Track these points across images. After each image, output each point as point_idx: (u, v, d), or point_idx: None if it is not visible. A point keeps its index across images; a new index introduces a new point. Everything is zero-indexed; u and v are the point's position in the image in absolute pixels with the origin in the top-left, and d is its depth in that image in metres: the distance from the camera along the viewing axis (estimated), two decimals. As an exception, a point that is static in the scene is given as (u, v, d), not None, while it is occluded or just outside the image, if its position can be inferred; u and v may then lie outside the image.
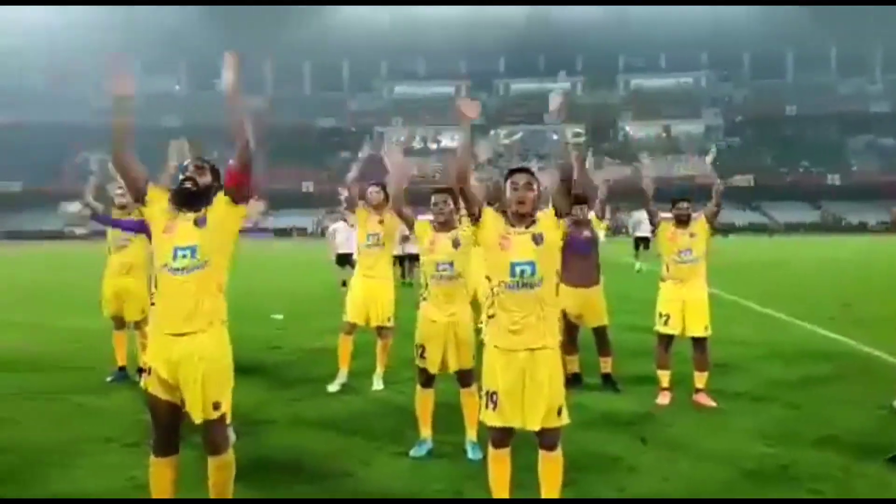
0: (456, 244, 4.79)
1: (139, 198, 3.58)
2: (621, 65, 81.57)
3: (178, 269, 3.43)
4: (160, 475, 3.50)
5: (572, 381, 6.73)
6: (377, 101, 78.80)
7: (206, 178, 3.60)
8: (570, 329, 6.78)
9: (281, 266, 24.07)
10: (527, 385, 3.56)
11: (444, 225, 4.86)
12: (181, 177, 3.59)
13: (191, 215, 3.52)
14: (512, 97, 78.62)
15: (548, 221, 3.69)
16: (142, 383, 3.54)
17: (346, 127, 73.57)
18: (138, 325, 6.98)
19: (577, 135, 4.94)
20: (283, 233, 56.83)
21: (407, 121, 74.67)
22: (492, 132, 74.56)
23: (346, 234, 12.98)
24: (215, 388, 3.44)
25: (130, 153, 3.58)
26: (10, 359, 8.21)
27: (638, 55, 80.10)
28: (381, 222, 6.50)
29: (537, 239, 3.63)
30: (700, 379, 6.25)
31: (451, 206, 4.88)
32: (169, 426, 3.48)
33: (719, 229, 8.47)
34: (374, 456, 4.88)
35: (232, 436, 4.89)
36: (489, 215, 3.77)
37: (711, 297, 6.37)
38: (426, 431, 4.98)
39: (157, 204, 3.56)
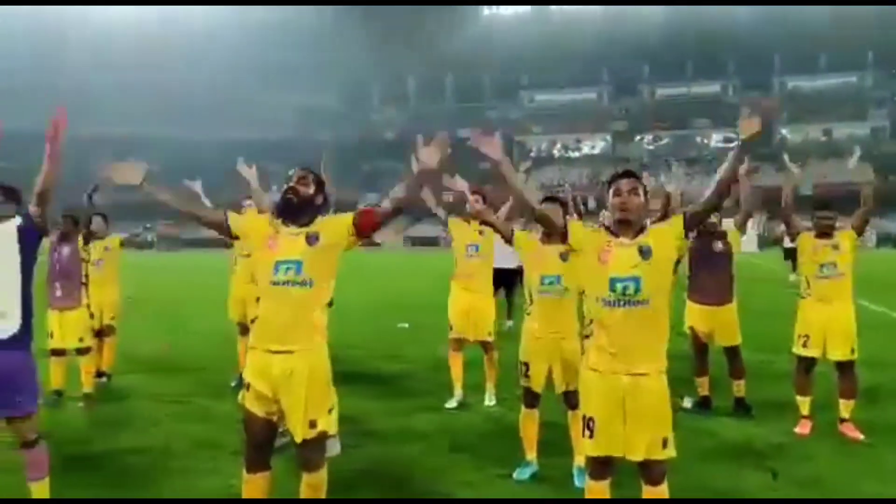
0: (564, 257, 4.49)
1: (231, 235, 3.60)
2: (777, 65, 76.98)
3: (279, 283, 3.37)
4: (253, 491, 3.47)
5: (702, 404, 6.28)
6: (517, 111, 78.88)
7: (308, 189, 3.54)
8: (700, 349, 6.32)
9: (416, 275, 24.41)
10: (628, 413, 3.21)
11: (551, 237, 4.59)
12: (285, 186, 3.55)
13: (297, 230, 3.45)
14: (658, 102, 76.25)
15: (663, 233, 3.32)
16: (239, 399, 3.54)
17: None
18: None
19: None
20: (421, 242, 57.88)
21: (546, 129, 74.20)
22: (636, 138, 72.71)
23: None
24: (314, 406, 3.36)
25: (197, 207, 3.72)
26: (153, 361, 8.72)
27: (795, 55, 75.29)
28: (480, 233, 6.32)
29: (644, 251, 3.26)
30: (846, 408, 5.60)
31: (561, 216, 4.61)
32: (262, 443, 3.43)
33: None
34: (477, 477, 4.69)
35: (336, 447, 4.91)
36: (577, 228, 3.47)
37: (861, 315, 5.71)
38: (531, 454, 4.75)
39: (252, 228, 3.55)
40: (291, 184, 3.52)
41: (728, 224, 6.34)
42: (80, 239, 6.80)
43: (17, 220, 3.84)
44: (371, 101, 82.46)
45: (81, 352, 6.73)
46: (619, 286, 3.24)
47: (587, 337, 3.49)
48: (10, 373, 3.70)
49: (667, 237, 3.30)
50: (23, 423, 3.80)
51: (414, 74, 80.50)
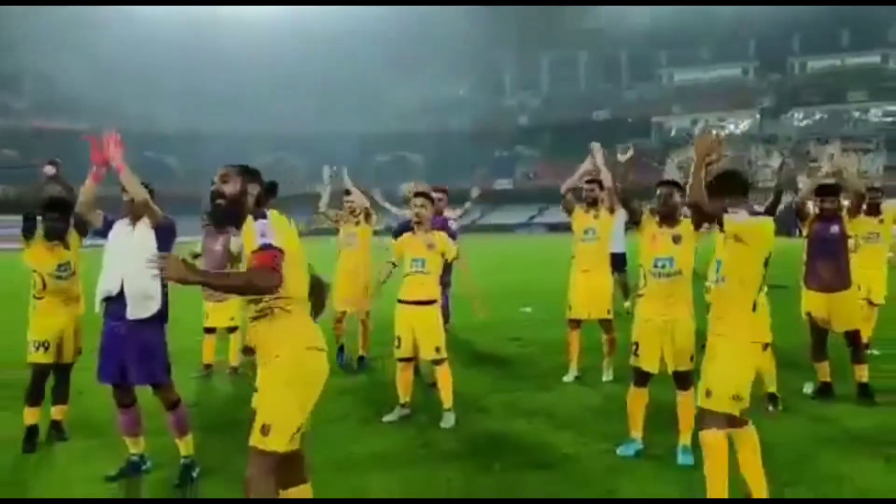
0: (677, 240, 4.66)
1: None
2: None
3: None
4: None
5: (823, 391, 6.14)
6: (656, 90, 76.35)
7: (233, 188, 3.24)
8: (818, 335, 6.16)
9: (546, 260, 24.45)
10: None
11: (668, 218, 4.76)
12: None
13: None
14: (809, 76, 71.54)
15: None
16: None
17: (621, 118, 72.33)
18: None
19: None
20: (555, 228, 57.57)
21: (687, 108, 71.37)
22: (783, 115, 68.63)
23: None
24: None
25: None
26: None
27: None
28: (595, 217, 6.62)
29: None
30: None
31: (677, 199, 4.75)
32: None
33: None
34: (579, 451, 4.89)
35: (451, 419, 5.32)
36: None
37: None
38: (636, 431, 4.89)
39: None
40: (212, 186, 3.26)
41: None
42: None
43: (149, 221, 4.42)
44: (503, 88, 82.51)
45: (231, 329, 7.48)
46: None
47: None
48: (152, 346, 4.36)
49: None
50: (163, 390, 4.45)
51: (547, 58, 79.74)
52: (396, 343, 5.65)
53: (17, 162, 65.54)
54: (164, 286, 4.34)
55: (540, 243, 35.83)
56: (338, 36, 75.10)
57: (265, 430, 3.03)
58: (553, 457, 4.79)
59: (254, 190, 3.24)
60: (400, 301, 5.65)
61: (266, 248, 3.00)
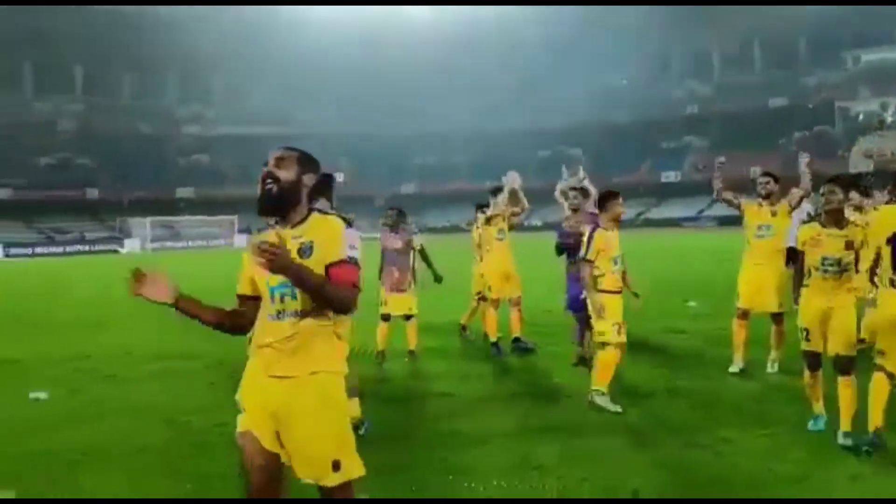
0: (849, 246, 4.98)
1: (255, 295, 2.99)
2: None
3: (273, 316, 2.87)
4: None
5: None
6: (839, 73, 70.92)
7: (289, 174, 2.86)
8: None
9: (714, 255, 23.75)
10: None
11: (833, 215, 5.03)
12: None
13: (292, 234, 2.88)
14: None
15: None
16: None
17: (801, 104, 67.88)
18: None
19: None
20: (725, 221, 55.11)
21: (877, 90, 65.70)
22: None
23: None
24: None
25: (218, 316, 3.00)
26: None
27: None
28: (773, 214, 6.75)
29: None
30: None
31: (840, 196, 5.01)
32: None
33: None
34: (738, 435, 5.09)
35: (611, 406, 5.68)
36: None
37: None
38: (818, 407, 5.16)
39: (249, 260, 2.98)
40: (265, 168, 2.87)
41: None
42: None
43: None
44: (672, 76, 79.86)
45: (408, 317, 8.18)
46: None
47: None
48: None
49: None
50: None
51: (718, 44, 76.28)
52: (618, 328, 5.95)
53: (207, 165, 72.17)
54: None
55: (709, 238, 34.61)
56: (496, 33, 76.03)
57: (337, 467, 2.77)
58: (713, 438, 5.03)
59: (309, 181, 2.90)
60: (606, 291, 5.99)
61: (354, 262, 2.81)
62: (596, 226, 6.14)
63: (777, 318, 6.82)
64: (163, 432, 5.59)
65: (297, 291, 2.73)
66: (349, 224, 2.92)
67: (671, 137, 72.59)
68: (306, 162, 2.92)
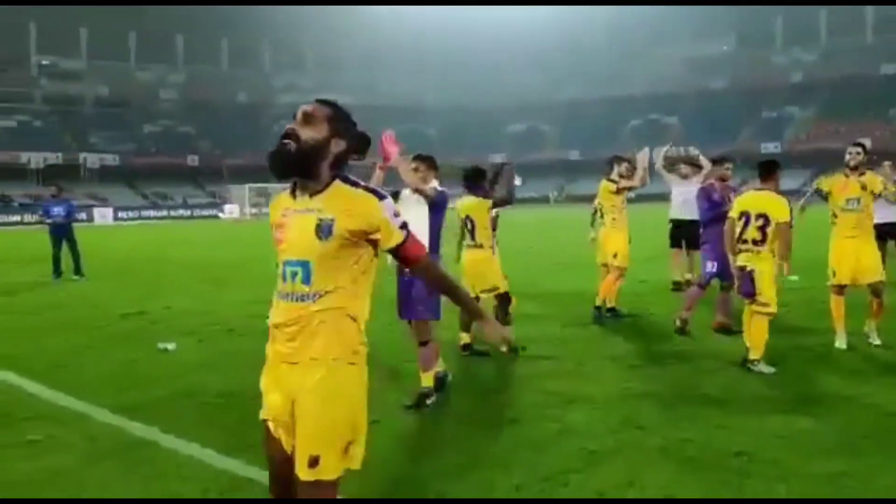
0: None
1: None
2: None
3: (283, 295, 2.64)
4: None
5: None
6: (962, 36, 66.20)
7: (315, 133, 2.47)
8: None
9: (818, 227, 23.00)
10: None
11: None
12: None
13: (307, 204, 2.53)
14: None
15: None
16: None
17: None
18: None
19: None
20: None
21: None
22: None
23: None
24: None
25: None
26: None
27: None
28: (863, 187, 6.69)
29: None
30: None
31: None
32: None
33: None
34: (850, 392, 5.24)
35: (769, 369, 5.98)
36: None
37: None
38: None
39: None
40: (289, 125, 2.48)
41: None
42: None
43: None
44: (774, 42, 76.34)
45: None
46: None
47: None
48: (419, 287, 5.18)
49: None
50: (419, 326, 5.35)
51: (825, 7, 72.25)
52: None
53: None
54: (432, 241, 5.08)
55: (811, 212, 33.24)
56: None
57: (314, 463, 2.40)
58: (794, 401, 5.16)
59: (337, 147, 2.47)
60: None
61: (408, 230, 2.53)
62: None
63: (876, 288, 6.69)
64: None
65: (313, 275, 2.42)
66: (354, 184, 2.48)
67: (772, 107, 69.62)
68: (339, 122, 2.50)
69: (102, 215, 51.31)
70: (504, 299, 6.82)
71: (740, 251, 6.19)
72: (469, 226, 6.69)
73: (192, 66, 77.55)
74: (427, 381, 5.33)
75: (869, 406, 5.03)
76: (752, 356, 6.05)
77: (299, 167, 2.44)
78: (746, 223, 6.14)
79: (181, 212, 56.57)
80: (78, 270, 14.11)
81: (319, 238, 2.40)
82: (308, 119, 2.45)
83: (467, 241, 6.74)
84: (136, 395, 5.70)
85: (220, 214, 54.12)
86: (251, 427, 3.20)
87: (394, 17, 73.87)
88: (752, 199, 6.24)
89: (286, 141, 2.41)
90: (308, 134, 2.42)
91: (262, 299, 10.23)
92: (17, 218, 48.29)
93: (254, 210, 54.63)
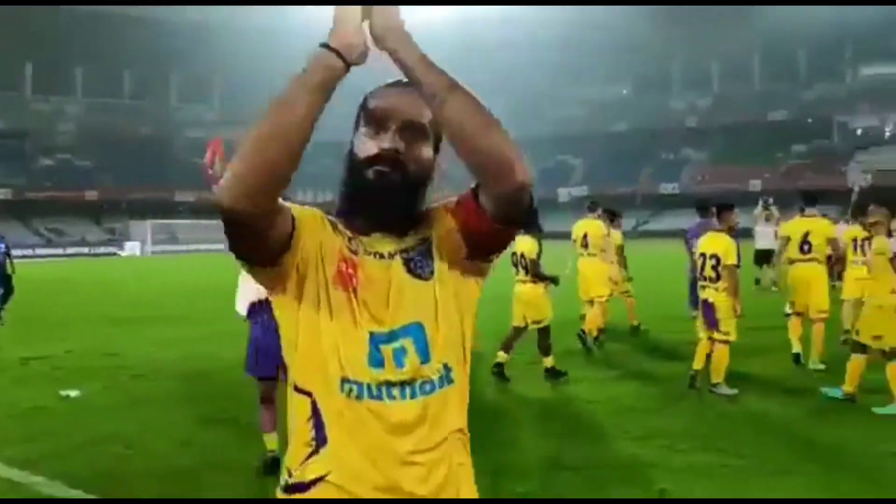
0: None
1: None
2: None
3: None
4: None
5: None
6: (839, 88, 71.27)
7: (421, 151, 1.67)
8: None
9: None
10: None
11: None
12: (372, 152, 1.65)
13: (388, 243, 1.65)
14: None
15: None
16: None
17: (800, 118, 68.21)
18: None
19: None
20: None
21: (877, 106, 66.02)
22: None
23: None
24: None
25: None
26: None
27: None
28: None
29: None
30: None
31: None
32: None
33: None
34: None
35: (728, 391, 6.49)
36: None
37: None
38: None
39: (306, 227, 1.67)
40: (386, 145, 1.59)
41: None
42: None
43: None
44: (670, 88, 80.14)
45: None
46: None
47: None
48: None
49: None
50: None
51: (718, 56, 76.47)
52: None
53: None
54: None
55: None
56: (496, 41, 76.29)
57: None
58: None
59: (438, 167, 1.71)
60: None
61: None
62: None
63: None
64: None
65: None
66: None
67: (670, 149, 72.75)
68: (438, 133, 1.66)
69: (-10, 253, 48.17)
70: (546, 330, 7.31)
71: (703, 287, 6.71)
72: (523, 262, 7.19)
73: (92, 98, 74.83)
74: (271, 444, 4.61)
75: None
76: (714, 379, 6.52)
77: (408, 205, 1.65)
78: (704, 262, 6.66)
79: (79, 249, 53.91)
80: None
81: (413, 274, 1.63)
82: (414, 134, 1.63)
83: (520, 275, 7.25)
84: (38, 446, 5.31)
85: (120, 252, 51.91)
86: (161, 480, 3.02)
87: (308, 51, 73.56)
88: (708, 241, 6.77)
89: (387, 172, 1.58)
90: (418, 154, 1.63)
91: (166, 339, 10.07)
92: None
93: (155, 248, 52.70)
